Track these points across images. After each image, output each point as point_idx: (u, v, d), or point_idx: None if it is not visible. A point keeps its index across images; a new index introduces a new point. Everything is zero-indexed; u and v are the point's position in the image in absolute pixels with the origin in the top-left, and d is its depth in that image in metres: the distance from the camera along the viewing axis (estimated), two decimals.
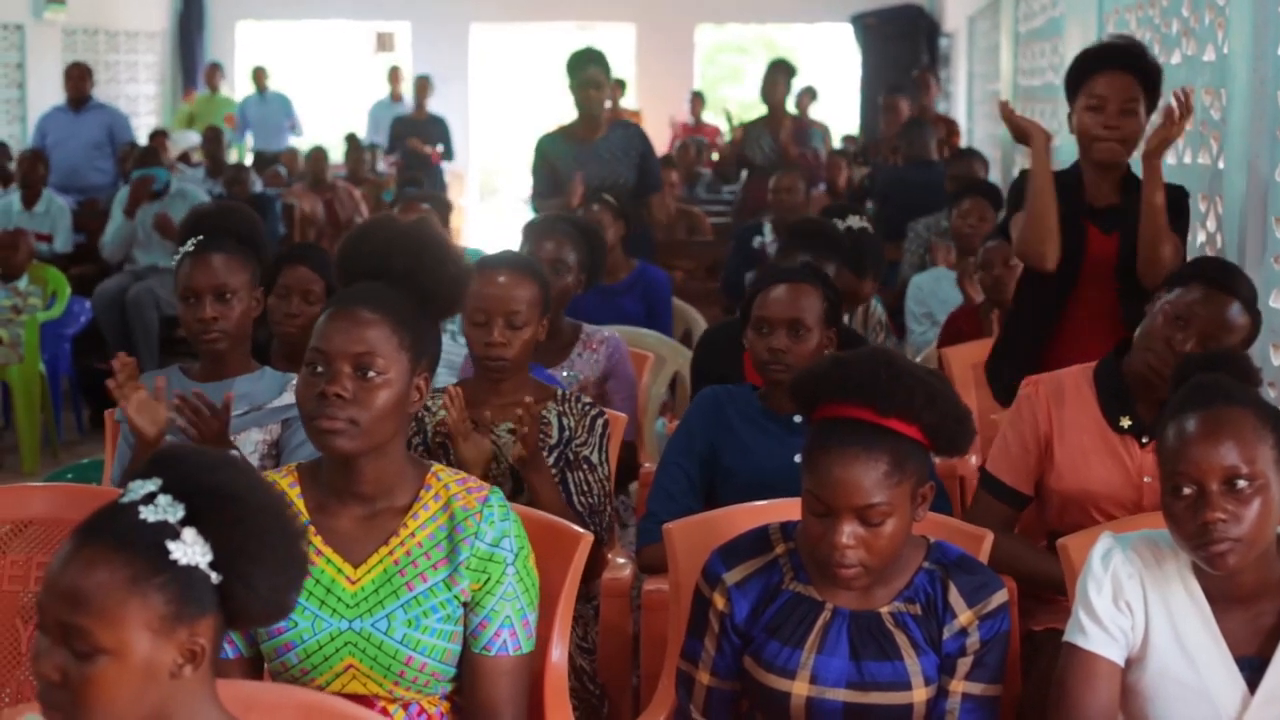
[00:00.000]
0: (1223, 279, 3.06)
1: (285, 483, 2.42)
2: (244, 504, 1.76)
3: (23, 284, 7.44)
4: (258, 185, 10.19)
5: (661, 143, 13.30)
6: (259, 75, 14.07)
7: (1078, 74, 3.78)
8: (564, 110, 7.11)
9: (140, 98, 15.20)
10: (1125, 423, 3.13)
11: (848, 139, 12.38)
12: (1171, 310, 3.04)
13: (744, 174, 9.23)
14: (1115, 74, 3.72)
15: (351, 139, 11.77)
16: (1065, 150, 6.48)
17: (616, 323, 4.85)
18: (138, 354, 7.86)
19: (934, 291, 6.17)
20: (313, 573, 2.34)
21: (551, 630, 2.61)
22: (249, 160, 12.91)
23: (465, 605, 2.40)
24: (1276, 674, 2.31)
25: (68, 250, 8.57)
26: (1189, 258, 3.85)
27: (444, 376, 4.49)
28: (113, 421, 3.50)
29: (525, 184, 7.84)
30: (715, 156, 12.94)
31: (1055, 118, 7.41)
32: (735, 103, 15.95)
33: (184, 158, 12.05)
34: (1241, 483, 2.26)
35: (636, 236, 6.24)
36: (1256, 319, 3.07)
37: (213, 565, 1.74)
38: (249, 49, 16.79)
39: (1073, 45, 6.60)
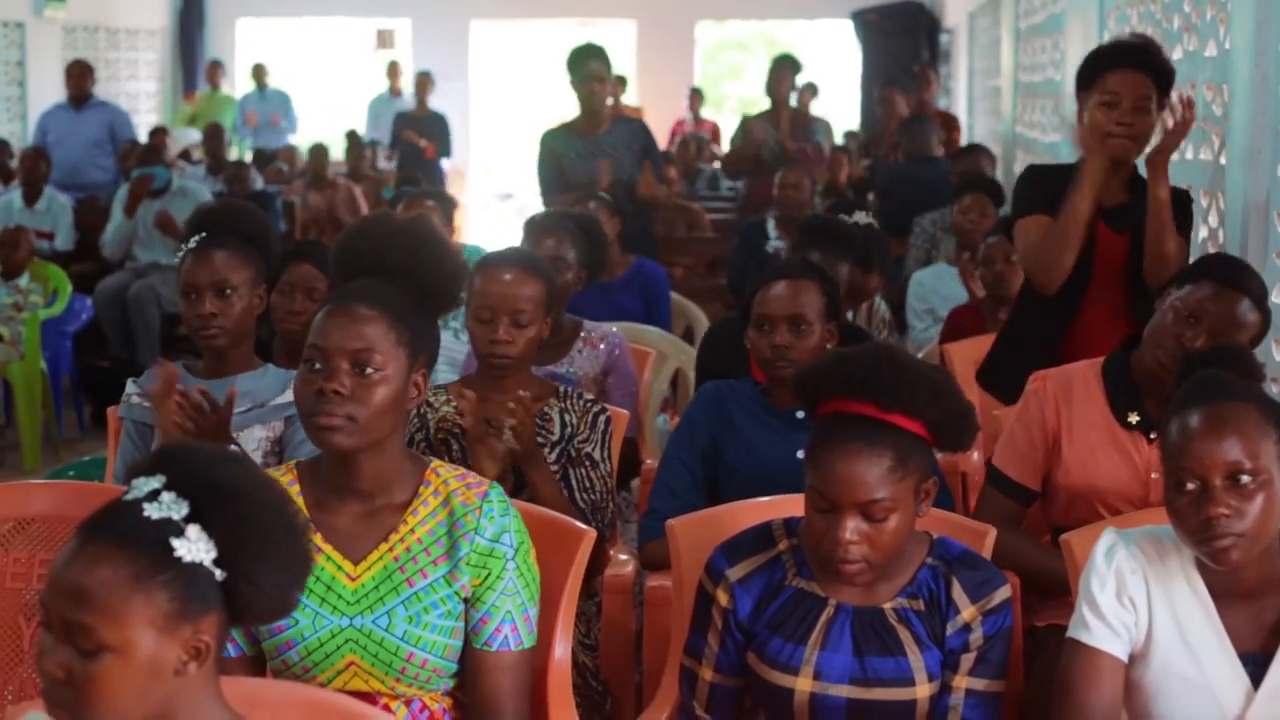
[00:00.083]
0: (1233, 276, 3.06)
1: (284, 480, 2.42)
2: (248, 500, 1.76)
3: (24, 281, 7.44)
4: (259, 182, 10.19)
5: (661, 140, 13.28)
6: (259, 72, 14.07)
7: (1091, 71, 3.78)
8: (565, 107, 7.12)
9: (140, 95, 15.20)
10: (1133, 418, 3.12)
11: (850, 135, 12.37)
12: (1182, 307, 3.03)
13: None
14: (1129, 72, 3.71)
15: (352, 136, 11.77)
16: (1067, 147, 6.48)
17: (615, 319, 4.85)
18: (139, 351, 7.90)
19: (935, 288, 6.17)
20: (313, 570, 2.34)
21: (554, 627, 2.61)
22: (249, 158, 12.91)
23: (466, 601, 2.40)
24: None
25: (69, 248, 8.58)
26: (1192, 256, 3.85)
27: (445, 374, 4.49)
28: (114, 418, 3.49)
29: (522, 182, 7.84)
30: (722, 150, 12.92)
31: (1055, 114, 7.41)
32: (736, 99, 15.94)
33: (185, 155, 12.05)
34: (1245, 478, 2.26)
35: (638, 234, 6.25)
36: (1266, 316, 3.06)
37: (217, 562, 1.74)
38: (249, 46, 16.79)
39: (1074, 41, 6.61)
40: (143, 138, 11.38)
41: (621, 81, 13.21)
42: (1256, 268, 3.53)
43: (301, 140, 13.21)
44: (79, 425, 7.97)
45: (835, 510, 2.33)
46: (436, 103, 13.47)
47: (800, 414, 3.26)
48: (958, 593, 2.42)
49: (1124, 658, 2.38)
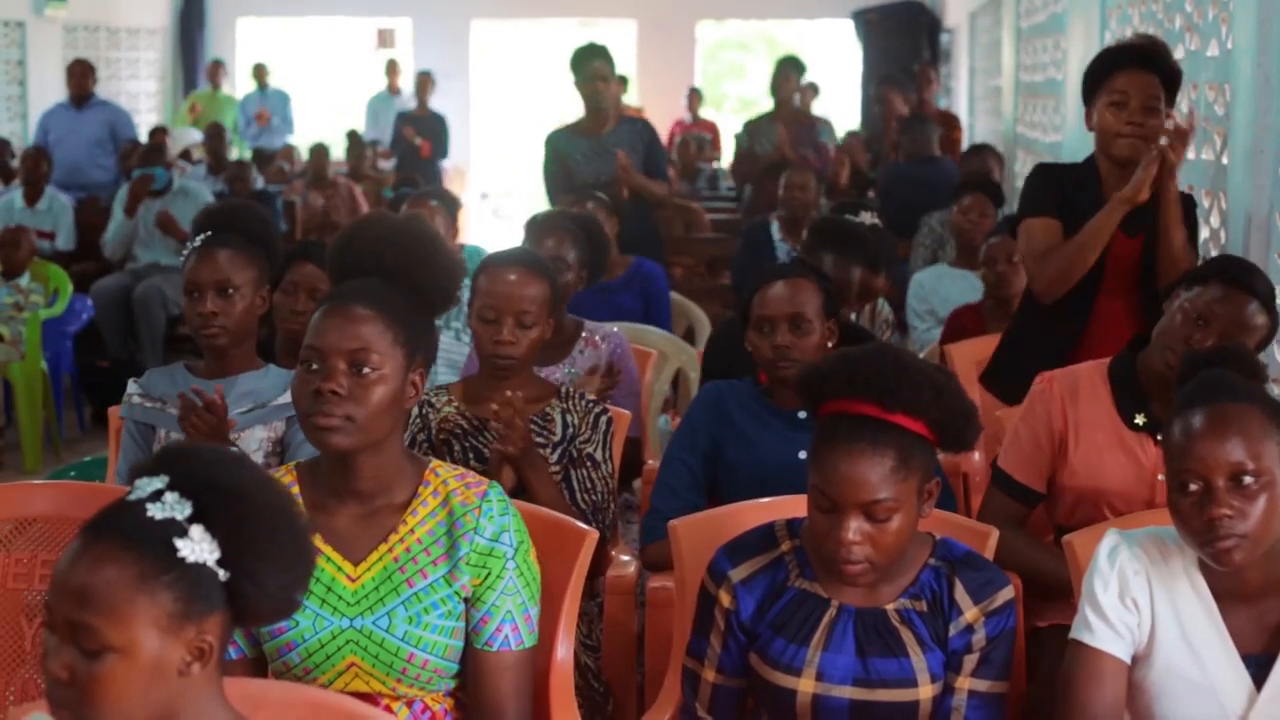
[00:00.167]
0: (1242, 278, 3.06)
1: (284, 482, 2.42)
2: (251, 501, 1.76)
3: (24, 281, 7.44)
4: (259, 182, 10.19)
5: (662, 139, 13.28)
6: (260, 72, 14.07)
7: (1099, 71, 3.78)
8: (566, 108, 7.12)
9: (141, 95, 15.19)
10: (1140, 420, 3.12)
11: (852, 134, 12.37)
12: (1191, 309, 3.03)
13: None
14: (1138, 72, 3.71)
15: (353, 135, 11.77)
16: (1068, 147, 6.47)
17: (614, 319, 4.84)
18: (142, 351, 7.90)
19: (936, 289, 6.17)
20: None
21: (557, 628, 2.61)
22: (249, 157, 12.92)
23: (466, 601, 2.39)
24: None
25: (70, 248, 8.58)
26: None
27: (445, 375, 4.49)
28: (115, 418, 3.50)
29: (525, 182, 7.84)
30: (722, 150, 12.93)
31: (1057, 113, 7.41)
32: (736, 99, 15.94)
33: (185, 155, 12.05)
34: (1248, 479, 2.26)
35: (642, 234, 6.24)
36: (1274, 318, 3.06)
37: (220, 562, 1.74)
38: (250, 45, 16.79)
39: (1075, 41, 6.60)
40: (143, 137, 11.38)
41: (623, 81, 13.20)
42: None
43: (302, 140, 13.21)
44: (79, 425, 7.97)
45: (838, 510, 2.33)
46: (437, 102, 13.48)
47: (801, 414, 3.26)
48: (960, 594, 2.42)
49: (1127, 659, 2.38)
